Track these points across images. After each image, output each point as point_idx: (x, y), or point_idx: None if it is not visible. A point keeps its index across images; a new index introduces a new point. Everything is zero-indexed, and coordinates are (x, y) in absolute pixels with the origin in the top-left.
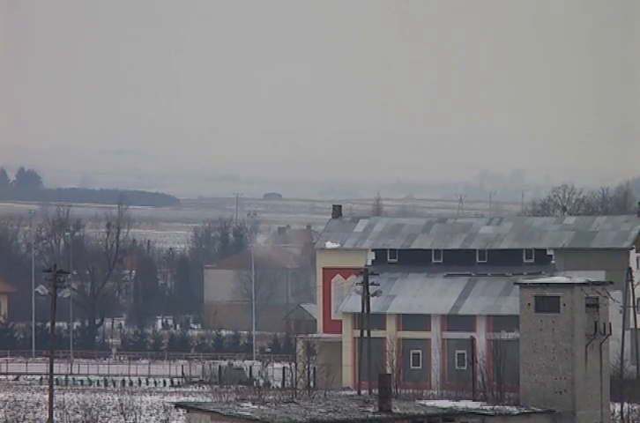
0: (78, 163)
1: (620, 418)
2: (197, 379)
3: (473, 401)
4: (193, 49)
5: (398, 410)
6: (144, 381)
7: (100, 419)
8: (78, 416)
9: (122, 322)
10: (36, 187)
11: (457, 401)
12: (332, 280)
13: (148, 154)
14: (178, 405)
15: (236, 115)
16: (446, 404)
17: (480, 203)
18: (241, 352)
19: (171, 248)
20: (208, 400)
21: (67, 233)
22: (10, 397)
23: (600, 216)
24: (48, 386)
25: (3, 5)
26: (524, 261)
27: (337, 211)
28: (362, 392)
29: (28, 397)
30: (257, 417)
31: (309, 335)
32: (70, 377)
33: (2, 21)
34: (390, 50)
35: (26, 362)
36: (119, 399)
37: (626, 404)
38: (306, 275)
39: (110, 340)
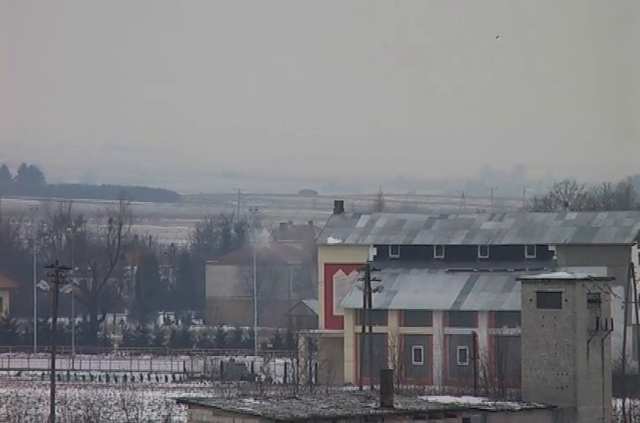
0: (79, 159)
1: (621, 413)
2: (198, 375)
3: (475, 397)
4: (195, 47)
5: (399, 405)
6: (145, 376)
7: (101, 414)
8: (80, 411)
9: (124, 318)
10: (38, 183)
11: (458, 397)
12: (334, 276)
13: (150, 150)
14: (180, 401)
15: (238, 112)
16: (448, 399)
17: (481, 199)
18: (242, 348)
19: (173, 244)
20: (210, 396)
21: (69, 229)
22: (12, 392)
23: (602, 212)
24: (49, 382)
25: (2, 4)
26: (526, 257)
27: (338, 206)
28: (364, 388)
29: (30, 393)
30: (259, 412)
31: (311, 331)
32: (71, 373)
33: (2, 19)
34: (391, 49)
35: (28, 358)
36: (121, 395)
37: (628, 400)
38: (307, 271)
39: (112, 336)
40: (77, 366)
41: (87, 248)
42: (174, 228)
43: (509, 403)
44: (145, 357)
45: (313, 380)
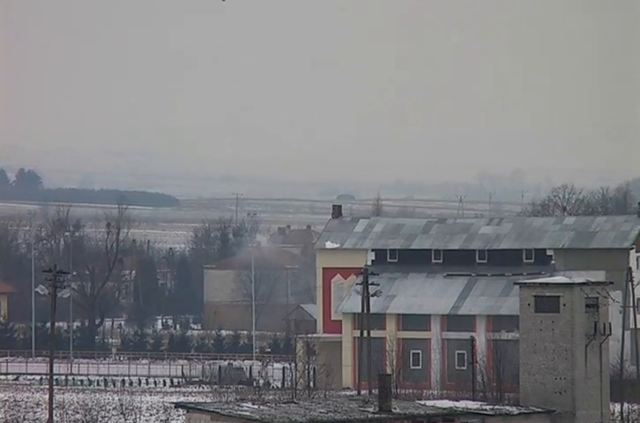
0: (77, 163)
1: (620, 418)
2: (196, 379)
3: (473, 401)
4: (193, 49)
5: (397, 410)
6: (144, 381)
7: (99, 419)
8: (78, 416)
9: (122, 323)
10: (36, 187)
11: (456, 401)
12: (332, 280)
13: (148, 154)
14: (178, 405)
15: (236, 116)
16: (446, 404)
17: (479, 203)
18: (240, 353)
19: (171, 249)
20: (208, 400)
21: (67, 234)
22: (10, 397)
23: (600, 216)
24: (47, 386)
25: (2, 5)
26: (524, 261)
27: (337, 211)
28: (362, 392)
29: (28, 397)
30: (257, 417)
31: (309, 335)
32: (69, 377)
33: (1, 21)
34: (389, 50)
35: (26, 362)
36: (119, 399)
37: (626, 405)
38: (306, 275)
39: (110, 340)
40: (75, 370)
41: (85, 252)
42: (172, 233)
43: (507, 407)
44: (144, 361)
45: (311, 384)
